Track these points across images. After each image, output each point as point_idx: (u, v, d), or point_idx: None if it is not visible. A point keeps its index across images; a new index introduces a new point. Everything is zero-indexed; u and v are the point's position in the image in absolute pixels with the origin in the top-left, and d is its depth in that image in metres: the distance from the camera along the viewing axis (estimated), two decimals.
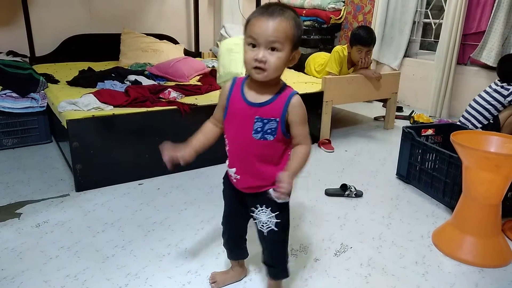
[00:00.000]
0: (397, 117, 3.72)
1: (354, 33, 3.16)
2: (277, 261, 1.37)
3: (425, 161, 2.27)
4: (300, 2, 4.82)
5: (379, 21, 4.30)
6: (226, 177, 1.40)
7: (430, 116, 3.84)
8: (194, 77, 3.34)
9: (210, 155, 2.56)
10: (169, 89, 2.63)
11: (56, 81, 2.96)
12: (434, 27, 4.13)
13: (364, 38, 3.10)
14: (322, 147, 2.98)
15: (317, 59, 3.70)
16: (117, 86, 2.74)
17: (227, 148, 1.32)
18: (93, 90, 2.56)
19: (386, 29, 4.34)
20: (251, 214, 1.34)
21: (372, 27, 4.25)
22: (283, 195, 1.12)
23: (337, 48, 3.30)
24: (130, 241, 1.76)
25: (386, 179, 2.49)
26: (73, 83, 2.86)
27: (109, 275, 1.53)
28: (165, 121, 2.38)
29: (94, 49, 3.84)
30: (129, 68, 3.43)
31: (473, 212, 1.71)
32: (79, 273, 1.54)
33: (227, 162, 1.35)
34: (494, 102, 2.86)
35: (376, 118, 3.82)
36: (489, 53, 3.52)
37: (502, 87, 2.84)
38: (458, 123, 2.98)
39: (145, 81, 2.89)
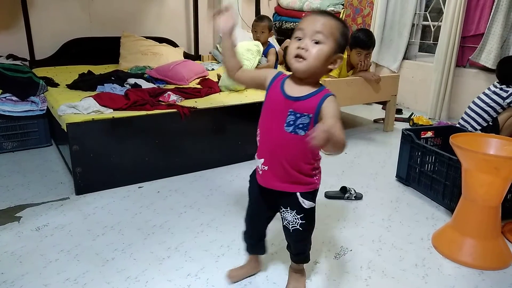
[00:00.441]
0: (397, 120, 3.72)
1: (354, 36, 3.17)
2: (300, 251, 1.46)
3: (425, 164, 2.27)
4: (299, 5, 4.84)
5: (378, 24, 4.31)
6: (253, 174, 1.42)
7: (429, 118, 3.84)
8: (194, 80, 3.34)
9: (210, 159, 2.59)
10: (168, 92, 2.64)
11: (56, 85, 2.97)
12: (433, 29, 4.14)
13: (363, 41, 3.11)
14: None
15: None
16: (117, 89, 2.74)
17: (258, 138, 1.34)
18: (93, 93, 2.57)
19: (385, 31, 4.35)
20: (279, 211, 1.38)
21: (371, 29, 4.26)
22: (315, 141, 1.03)
23: None
24: (130, 244, 1.76)
25: (385, 181, 2.50)
26: (73, 86, 2.86)
27: (109, 279, 1.53)
28: (165, 124, 2.39)
29: (94, 53, 3.85)
30: (129, 71, 3.43)
31: (472, 214, 1.71)
32: (79, 276, 1.54)
33: (255, 156, 1.35)
34: (493, 104, 2.87)
35: (375, 121, 3.83)
36: (488, 55, 3.53)
37: (501, 89, 2.85)
38: (458, 125, 2.99)
39: (145, 84, 2.90)
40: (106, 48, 3.87)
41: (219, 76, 3.29)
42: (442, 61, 3.81)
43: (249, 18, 4.68)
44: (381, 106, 3.97)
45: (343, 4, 4.73)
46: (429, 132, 2.48)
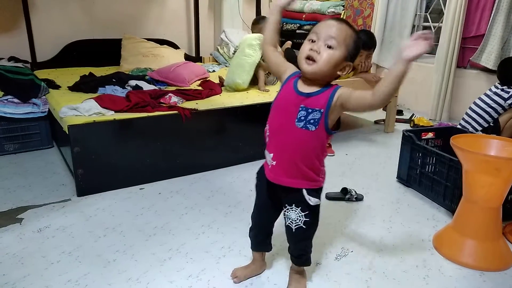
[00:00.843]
0: (397, 121, 3.72)
1: None
2: (302, 253, 1.46)
3: (426, 165, 2.27)
4: (300, 7, 4.84)
5: (378, 25, 4.32)
6: (261, 170, 1.43)
7: (430, 120, 3.85)
8: (195, 81, 3.35)
9: (210, 160, 2.59)
10: (169, 94, 2.64)
11: (57, 87, 2.98)
12: (433, 30, 4.14)
13: (364, 41, 3.10)
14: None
15: None
16: (118, 91, 2.75)
17: (267, 133, 1.36)
18: (94, 95, 2.58)
19: (386, 32, 4.36)
20: (283, 209, 1.40)
21: (371, 31, 4.26)
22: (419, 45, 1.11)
23: None
24: (131, 245, 1.76)
25: (386, 182, 2.50)
26: (74, 88, 2.87)
27: (110, 280, 1.54)
28: (166, 126, 2.39)
29: (95, 55, 3.86)
30: (130, 73, 3.45)
31: (473, 216, 1.71)
32: (80, 278, 1.54)
33: (265, 151, 1.37)
34: (494, 105, 2.87)
35: (376, 122, 3.83)
36: (489, 56, 3.53)
37: (502, 90, 2.85)
38: (459, 126, 2.99)
39: (146, 86, 2.91)
40: (107, 50, 3.88)
41: (220, 78, 3.30)
42: (442, 62, 3.81)
43: (250, 19, 4.67)
44: (382, 107, 3.97)
45: (343, 6, 4.74)
46: (429, 133, 2.48)
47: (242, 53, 3.07)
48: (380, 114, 3.92)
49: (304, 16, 4.77)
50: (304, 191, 1.32)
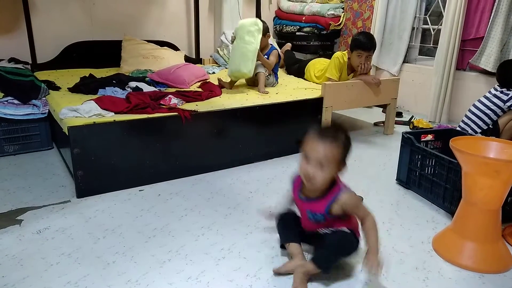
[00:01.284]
0: (397, 123, 3.73)
1: (354, 38, 3.18)
2: (324, 263, 1.51)
3: (425, 167, 2.27)
4: (299, 9, 4.86)
5: (378, 27, 4.32)
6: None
7: (429, 122, 3.85)
8: (195, 83, 3.35)
9: (210, 162, 2.59)
10: (170, 96, 2.65)
11: (57, 88, 2.98)
12: (433, 33, 4.15)
13: (364, 43, 3.12)
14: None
15: (317, 65, 3.72)
16: (118, 93, 2.76)
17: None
18: (94, 96, 2.58)
19: (385, 35, 4.37)
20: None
21: (371, 33, 4.27)
22: (376, 273, 1.45)
23: (337, 54, 3.32)
24: (131, 247, 1.76)
25: (386, 184, 2.50)
26: (74, 89, 2.87)
27: (110, 282, 1.54)
28: (166, 128, 2.39)
29: (95, 56, 3.87)
30: (130, 75, 3.45)
31: (473, 218, 1.71)
32: (79, 280, 1.54)
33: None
34: (493, 107, 2.87)
35: (375, 124, 3.83)
36: (488, 58, 3.53)
37: (501, 92, 2.85)
38: (458, 128, 2.99)
39: (146, 88, 2.91)
40: (108, 52, 3.89)
41: (219, 80, 3.30)
42: (442, 65, 3.82)
43: None
44: (381, 109, 3.98)
45: (343, 8, 4.75)
46: (429, 135, 2.49)
47: (242, 41, 3.05)
48: (379, 116, 3.93)
49: (304, 18, 4.79)
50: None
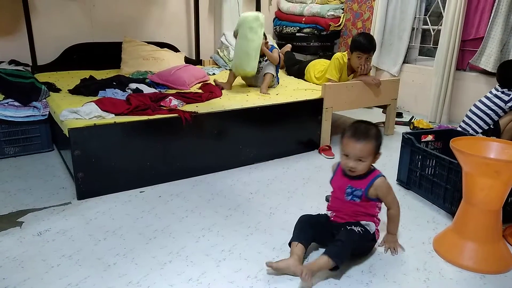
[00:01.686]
0: (397, 123, 3.73)
1: (354, 39, 3.18)
2: (339, 256, 1.57)
3: (425, 167, 2.27)
4: (299, 10, 4.86)
5: (378, 28, 4.33)
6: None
7: (430, 122, 3.85)
8: (195, 84, 3.36)
9: (211, 163, 2.59)
10: (170, 97, 2.65)
11: (58, 90, 2.99)
12: (433, 33, 4.15)
13: (364, 44, 3.12)
14: (322, 153, 2.99)
15: (317, 66, 3.72)
16: (119, 95, 2.76)
17: (329, 203, 1.84)
18: (95, 98, 2.58)
19: (385, 35, 4.37)
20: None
21: (371, 33, 4.27)
22: (395, 250, 1.77)
23: (337, 55, 3.32)
24: (132, 249, 1.76)
25: None
26: (75, 91, 2.88)
27: (111, 284, 1.54)
28: (166, 129, 2.40)
29: (95, 58, 3.87)
30: (130, 76, 3.46)
31: (473, 218, 1.71)
32: (80, 281, 1.54)
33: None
34: (494, 108, 2.87)
35: (376, 124, 3.83)
36: (488, 58, 3.53)
37: (502, 92, 2.86)
38: (459, 128, 3.00)
39: (146, 89, 2.91)
40: (108, 53, 3.89)
41: (216, 82, 3.31)
42: (442, 65, 3.82)
43: None
44: (382, 110, 3.98)
45: (343, 9, 4.76)
46: (429, 135, 2.48)
47: (245, 39, 3.05)
48: (379, 117, 3.92)
49: (303, 19, 4.79)
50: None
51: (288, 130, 2.90)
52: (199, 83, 3.39)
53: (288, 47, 4.53)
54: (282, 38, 5.05)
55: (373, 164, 1.73)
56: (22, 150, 2.79)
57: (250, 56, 3.04)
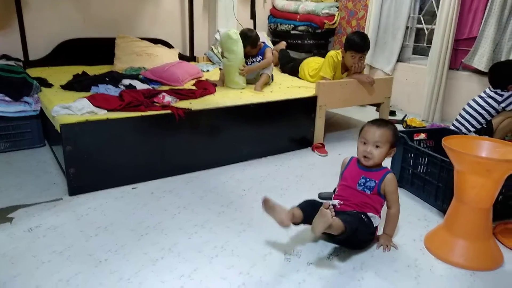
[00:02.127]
0: None
1: (349, 38, 3.18)
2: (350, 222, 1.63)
3: (418, 165, 2.28)
4: (294, 8, 4.85)
5: (372, 27, 4.34)
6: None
7: (422, 120, 3.88)
8: (189, 81, 3.34)
9: (204, 160, 2.59)
10: (163, 94, 2.63)
11: (49, 85, 2.96)
12: (426, 32, 4.17)
13: (358, 44, 3.12)
14: (315, 151, 3.00)
15: (311, 63, 3.72)
16: (111, 90, 2.73)
17: (337, 192, 1.89)
18: (87, 94, 2.56)
19: (379, 34, 4.38)
20: None
21: (365, 32, 4.28)
22: (388, 247, 1.79)
23: (331, 53, 3.32)
24: (123, 245, 1.75)
25: None
26: (67, 87, 2.85)
27: (102, 280, 1.53)
28: (159, 126, 2.38)
29: (88, 53, 3.84)
30: (124, 72, 3.43)
31: (464, 216, 1.73)
32: (71, 277, 1.54)
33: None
34: (488, 107, 2.90)
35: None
36: (481, 58, 3.56)
37: (496, 93, 2.88)
38: (452, 127, 3.02)
39: (139, 85, 2.89)
40: (101, 49, 3.85)
41: (208, 81, 3.30)
42: (435, 64, 3.84)
43: (244, 20, 4.70)
44: (375, 108, 3.99)
45: (337, 7, 4.76)
46: (422, 134, 2.50)
47: (226, 60, 3.16)
48: (373, 115, 3.94)
49: (298, 17, 4.78)
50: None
51: (282, 128, 2.90)
52: (193, 79, 3.38)
53: (282, 44, 4.53)
54: (277, 35, 5.04)
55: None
56: (13, 146, 2.76)
57: (234, 74, 3.14)
